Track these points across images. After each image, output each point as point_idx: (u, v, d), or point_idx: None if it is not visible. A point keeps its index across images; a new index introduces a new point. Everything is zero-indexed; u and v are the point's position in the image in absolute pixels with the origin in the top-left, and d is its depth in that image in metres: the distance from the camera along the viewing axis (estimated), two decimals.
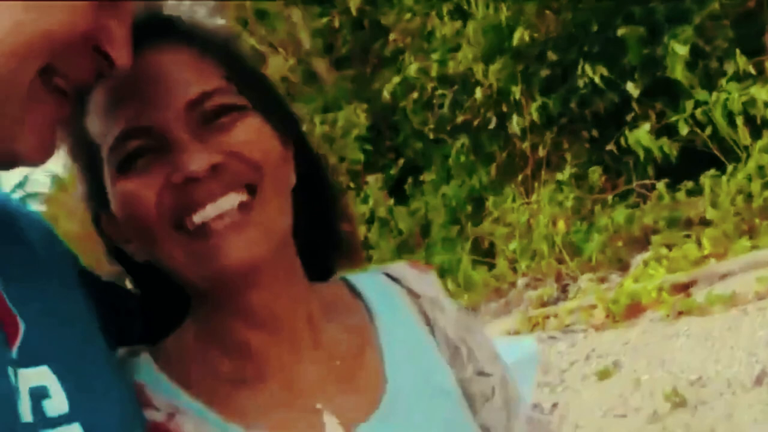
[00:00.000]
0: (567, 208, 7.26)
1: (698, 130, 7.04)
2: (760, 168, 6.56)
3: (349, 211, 1.25)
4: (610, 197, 7.28)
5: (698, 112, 6.96)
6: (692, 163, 7.09)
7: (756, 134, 6.74)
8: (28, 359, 0.84)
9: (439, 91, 7.85)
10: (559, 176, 7.49)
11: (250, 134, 0.98)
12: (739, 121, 6.72)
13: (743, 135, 6.74)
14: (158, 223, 0.97)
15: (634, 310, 6.14)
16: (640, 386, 5.11)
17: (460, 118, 7.81)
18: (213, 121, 0.97)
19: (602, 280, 6.88)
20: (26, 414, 0.81)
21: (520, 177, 7.81)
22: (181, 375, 1.05)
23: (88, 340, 0.94)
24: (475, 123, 7.78)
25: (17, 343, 0.84)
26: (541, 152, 7.58)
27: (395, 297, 1.18)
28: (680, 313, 5.81)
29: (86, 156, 1.03)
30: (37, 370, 0.84)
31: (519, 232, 7.35)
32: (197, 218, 0.95)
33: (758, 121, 6.60)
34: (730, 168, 6.71)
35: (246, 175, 0.97)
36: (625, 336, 5.82)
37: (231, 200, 0.96)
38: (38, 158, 0.86)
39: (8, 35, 0.78)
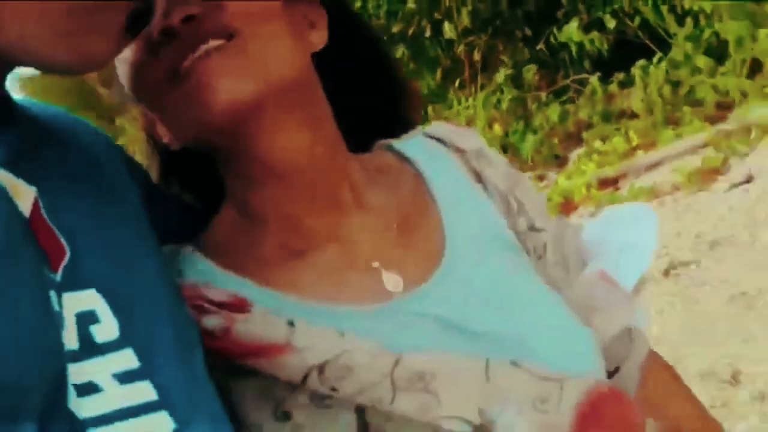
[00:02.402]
0: (503, 110, 7.33)
1: (629, 22, 7.06)
2: (687, 56, 6.60)
3: (401, 74, 1.25)
4: (543, 95, 7.34)
5: (626, 3, 6.97)
6: (627, 54, 7.12)
7: (681, 22, 6.76)
8: (75, 282, 0.79)
9: (372, 2, 7.87)
10: (498, 78, 7.55)
11: None
12: (664, 9, 6.76)
13: (670, 23, 6.77)
14: (156, 83, 0.98)
15: (568, 207, 6.20)
16: None
17: (395, 28, 7.84)
18: None
19: (541, 178, 6.97)
20: (72, 340, 0.76)
21: (457, 82, 7.86)
22: (228, 261, 1.04)
23: (139, 256, 0.90)
24: (410, 32, 7.81)
25: (62, 264, 0.79)
26: (477, 56, 7.63)
27: (442, 155, 1.17)
28: None
29: None
30: (85, 293, 0.80)
31: None
32: (182, 66, 0.95)
33: (678, 10, 6.61)
34: (656, 58, 6.75)
35: (226, 22, 0.96)
36: None
37: (211, 45, 0.95)
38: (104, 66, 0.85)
39: None
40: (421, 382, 0.94)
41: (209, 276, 1.03)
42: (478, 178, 1.15)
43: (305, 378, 0.95)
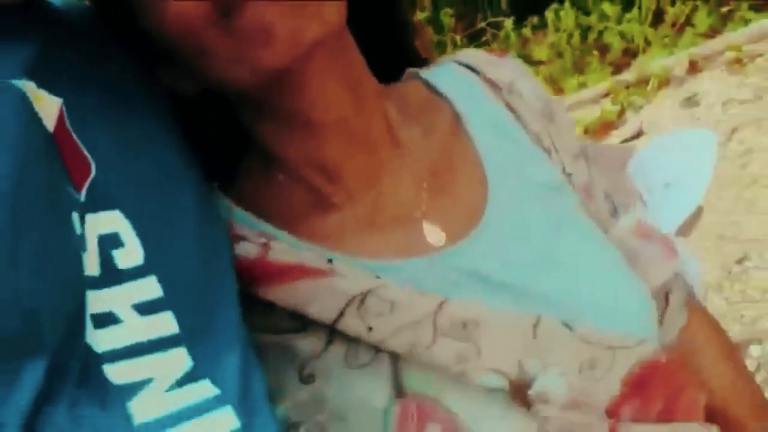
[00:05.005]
0: None
1: None
2: (595, 1, 6.68)
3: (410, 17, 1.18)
4: (458, 38, 7.40)
5: None
6: None
7: None
8: (99, 202, 0.74)
9: None
10: (419, 15, 7.56)
11: None
12: None
13: None
14: (201, 22, 0.87)
15: None
16: None
17: None
18: None
19: None
20: (93, 266, 0.71)
21: None
22: (257, 211, 0.99)
23: (170, 174, 0.84)
24: None
25: (86, 184, 0.74)
26: None
27: (476, 89, 1.10)
28: None
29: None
30: (109, 214, 0.74)
31: None
32: (237, 2, 0.85)
33: None
34: (567, 2, 6.80)
35: None
36: None
37: None
38: None
39: None
40: (463, 329, 0.90)
41: (242, 221, 0.99)
42: (515, 113, 1.10)
43: (341, 314, 0.91)
